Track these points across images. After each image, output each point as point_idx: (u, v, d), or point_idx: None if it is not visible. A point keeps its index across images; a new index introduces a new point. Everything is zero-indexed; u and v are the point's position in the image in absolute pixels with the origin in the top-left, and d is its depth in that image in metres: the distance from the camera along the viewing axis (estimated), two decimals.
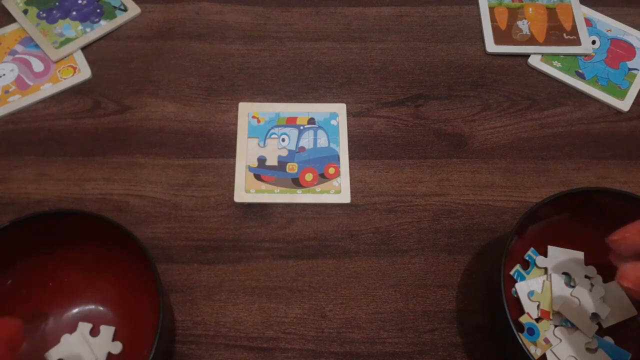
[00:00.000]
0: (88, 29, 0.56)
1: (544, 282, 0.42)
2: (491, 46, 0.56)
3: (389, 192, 0.48)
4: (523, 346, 0.34)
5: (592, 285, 0.42)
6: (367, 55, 0.56)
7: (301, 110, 0.52)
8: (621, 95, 0.54)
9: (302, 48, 0.56)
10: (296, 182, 0.48)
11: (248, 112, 0.52)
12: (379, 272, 0.45)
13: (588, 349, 0.40)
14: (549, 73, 0.55)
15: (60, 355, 0.39)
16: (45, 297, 0.40)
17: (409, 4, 0.59)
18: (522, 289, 0.42)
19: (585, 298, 0.41)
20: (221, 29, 0.57)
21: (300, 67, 0.55)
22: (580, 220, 0.42)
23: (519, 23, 0.58)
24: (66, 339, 0.40)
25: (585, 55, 0.57)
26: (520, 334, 0.35)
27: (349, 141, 0.51)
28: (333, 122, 0.52)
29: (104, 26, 0.56)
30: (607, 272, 0.42)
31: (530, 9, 0.59)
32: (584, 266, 0.43)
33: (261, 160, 0.49)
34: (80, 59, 0.54)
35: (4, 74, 0.53)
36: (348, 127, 0.51)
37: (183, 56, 0.55)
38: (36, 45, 0.55)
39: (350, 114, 0.52)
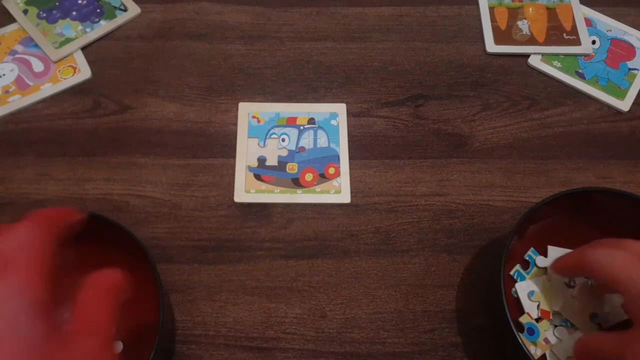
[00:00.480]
0: (88, 29, 0.56)
1: (544, 282, 0.42)
2: (491, 46, 0.56)
3: (389, 192, 0.48)
4: (523, 346, 0.34)
5: (591, 285, 0.42)
6: (367, 55, 0.56)
7: (301, 110, 0.52)
8: (621, 95, 0.54)
9: (302, 48, 0.56)
10: (296, 182, 0.48)
11: (248, 112, 0.52)
12: (379, 272, 0.45)
13: None
14: (549, 73, 0.55)
15: None
16: None
17: (409, 4, 0.59)
18: (522, 288, 0.42)
19: (584, 298, 0.41)
20: (221, 29, 0.57)
21: (300, 67, 0.55)
22: (580, 220, 0.42)
23: (519, 23, 0.58)
24: None
25: (585, 55, 0.57)
26: (520, 334, 0.35)
27: (349, 141, 0.51)
28: (333, 122, 0.52)
29: (104, 26, 0.56)
30: None
31: (530, 9, 0.59)
32: None
33: (261, 160, 0.49)
34: (80, 59, 0.54)
35: (4, 74, 0.53)
36: (348, 127, 0.51)
37: (183, 56, 0.55)
38: (36, 45, 0.55)
39: (350, 114, 0.52)
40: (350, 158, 0.50)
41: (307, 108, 0.52)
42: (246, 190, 0.48)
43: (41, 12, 0.57)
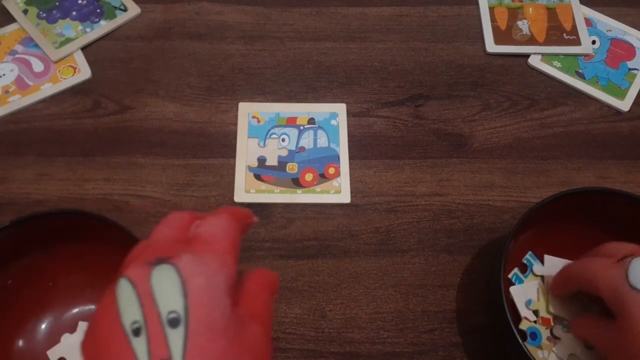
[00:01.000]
0: (88, 29, 0.56)
1: (540, 289, 0.42)
2: (491, 46, 0.56)
3: (389, 192, 0.48)
4: (523, 347, 0.34)
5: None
6: (367, 55, 0.56)
7: (301, 110, 0.52)
8: (621, 95, 0.54)
9: (302, 48, 0.56)
10: (296, 182, 0.48)
11: (248, 112, 0.52)
12: (379, 272, 0.45)
13: (587, 345, 0.40)
14: (549, 73, 0.55)
15: (61, 354, 0.39)
16: (45, 297, 0.40)
17: (409, 4, 0.59)
18: (516, 292, 0.42)
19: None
20: (221, 29, 0.57)
21: (300, 67, 0.55)
22: (580, 220, 0.42)
23: (519, 23, 0.58)
24: (67, 338, 0.40)
25: (585, 55, 0.57)
26: (525, 342, 0.34)
27: (349, 141, 0.51)
28: (333, 122, 0.52)
29: (104, 26, 0.56)
30: None
31: (530, 9, 0.59)
32: None
33: (261, 160, 0.49)
34: (80, 59, 0.54)
35: (4, 74, 0.53)
36: (348, 127, 0.51)
37: (183, 56, 0.55)
38: (36, 45, 0.55)
39: (350, 114, 0.52)
40: (350, 158, 0.50)
41: (307, 108, 0.52)
42: (246, 190, 0.48)
43: (41, 12, 0.57)
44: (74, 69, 0.54)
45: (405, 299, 0.44)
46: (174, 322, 0.20)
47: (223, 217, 0.25)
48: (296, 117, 0.52)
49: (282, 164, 0.49)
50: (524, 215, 0.39)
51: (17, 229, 0.37)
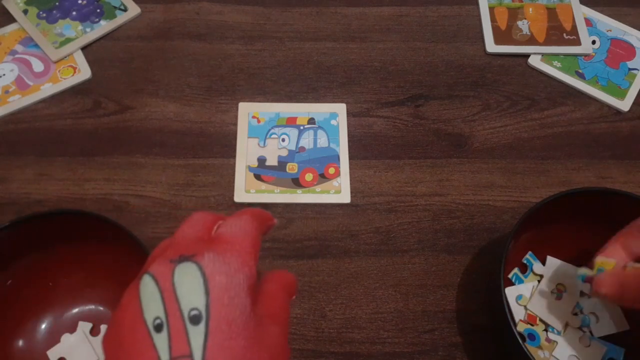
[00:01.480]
0: (88, 29, 0.56)
1: (533, 288, 0.42)
2: (491, 46, 0.56)
3: (389, 192, 0.48)
4: (523, 347, 0.34)
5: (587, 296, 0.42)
6: (367, 55, 0.56)
7: (301, 110, 0.52)
8: (621, 95, 0.54)
9: (302, 48, 0.56)
10: (296, 182, 0.48)
11: (248, 112, 0.52)
12: (379, 272, 0.45)
13: (582, 343, 0.40)
14: (549, 73, 0.55)
15: (61, 354, 0.39)
16: (45, 297, 0.40)
17: (409, 4, 0.59)
18: (511, 293, 0.42)
19: (564, 303, 0.41)
20: (221, 29, 0.57)
21: (300, 67, 0.55)
22: (580, 220, 0.42)
23: (519, 23, 0.58)
24: (67, 338, 0.40)
25: (585, 55, 0.57)
26: (525, 343, 0.34)
27: (349, 141, 0.51)
28: (333, 122, 0.52)
29: (104, 26, 0.56)
30: None
31: (530, 9, 0.59)
32: (581, 282, 0.43)
33: (261, 160, 0.49)
34: (80, 59, 0.54)
35: (4, 74, 0.53)
36: (348, 127, 0.51)
37: (183, 56, 0.55)
38: (36, 45, 0.55)
39: (350, 114, 0.52)
40: (350, 158, 0.50)
41: (307, 108, 0.52)
42: (246, 190, 0.48)
43: (41, 12, 0.57)
44: (74, 69, 0.54)
45: (405, 299, 0.44)
46: (195, 319, 0.20)
47: (244, 218, 0.25)
48: (296, 117, 0.52)
49: (282, 164, 0.49)
50: (524, 215, 0.39)
51: (17, 229, 0.37)
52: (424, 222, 0.47)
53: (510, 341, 0.35)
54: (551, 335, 0.41)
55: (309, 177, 0.49)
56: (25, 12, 0.57)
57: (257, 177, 0.49)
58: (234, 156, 0.50)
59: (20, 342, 0.39)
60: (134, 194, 0.48)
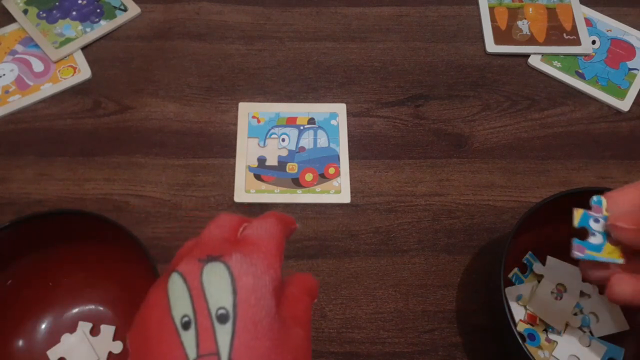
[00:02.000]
0: (88, 29, 0.56)
1: (533, 288, 0.42)
2: (491, 46, 0.56)
3: (389, 192, 0.48)
4: (523, 347, 0.34)
5: (587, 295, 0.42)
6: (367, 55, 0.56)
7: (301, 110, 0.52)
8: (621, 95, 0.54)
9: (302, 48, 0.56)
10: (296, 182, 0.48)
11: (248, 112, 0.52)
12: (379, 272, 0.45)
13: (581, 343, 0.40)
14: (549, 73, 0.55)
15: (61, 354, 0.39)
16: (45, 297, 0.40)
17: (409, 4, 0.59)
18: (511, 293, 0.42)
19: (564, 303, 0.41)
20: (221, 29, 0.57)
21: (300, 67, 0.55)
22: None
23: (519, 23, 0.58)
24: (67, 338, 0.40)
25: (585, 55, 0.57)
26: (525, 344, 0.34)
27: (349, 141, 0.51)
28: (333, 122, 0.52)
29: (104, 26, 0.56)
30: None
31: (530, 9, 0.59)
32: (581, 282, 0.43)
33: (261, 160, 0.49)
34: (80, 59, 0.54)
35: (4, 74, 0.53)
36: (348, 127, 0.51)
37: (183, 56, 0.55)
38: (36, 45, 0.55)
39: (350, 114, 0.52)
40: (350, 158, 0.50)
41: (307, 108, 0.52)
42: (246, 190, 0.48)
43: (41, 12, 0.57)
44: (74, 69, 0.54)
45: (405, 299, 0.44)
46: (222, 318, 0.20)
47: (270, 221, 0.26)
48: (296, 117, 0.52)
49: (282, 164, 0.49)
50: (524, 215, 0.39)
51: (17, 229, 0.37)
52: (424, 222, 0.47)
53: (510, 341, 0.35)
54: (551, 335, 0.41)
55: (309, 177, 0.49)
56: (25, 12, 0.57)
57: (257, 177, 0.49)
58: (234, 156, 0.50)
59: (20, 342, 0.39)
60: (134, 194, 0.48)
